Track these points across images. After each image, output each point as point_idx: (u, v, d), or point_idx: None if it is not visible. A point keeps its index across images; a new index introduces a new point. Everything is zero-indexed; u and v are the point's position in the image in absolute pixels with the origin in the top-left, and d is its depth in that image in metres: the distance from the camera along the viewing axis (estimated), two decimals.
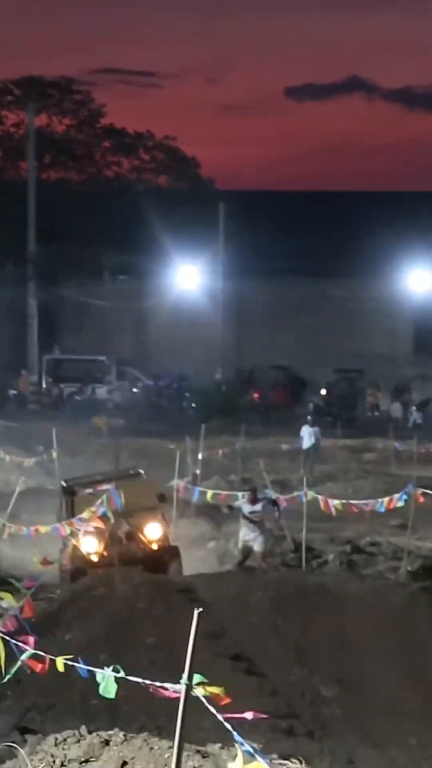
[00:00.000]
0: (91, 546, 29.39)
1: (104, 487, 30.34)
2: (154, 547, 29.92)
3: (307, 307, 78.10)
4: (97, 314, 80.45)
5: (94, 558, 29.31)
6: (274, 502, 33.05)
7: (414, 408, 71.19)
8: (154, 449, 44.40)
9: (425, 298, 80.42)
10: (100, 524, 28.42)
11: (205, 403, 66.15)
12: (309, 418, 57.60)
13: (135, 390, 72.29)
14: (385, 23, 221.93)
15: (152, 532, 30.08)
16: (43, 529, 30.22)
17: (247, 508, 31.94)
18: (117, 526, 29.01)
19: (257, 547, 31.58)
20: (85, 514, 28.97)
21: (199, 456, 43.03)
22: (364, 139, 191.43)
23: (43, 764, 15.15)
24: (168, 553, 30.14)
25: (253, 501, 32.28)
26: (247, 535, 31.87)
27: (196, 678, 10.83)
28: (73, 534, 29.31)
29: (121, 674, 12.42)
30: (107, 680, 12.44)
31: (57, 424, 49.39)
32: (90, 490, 30.93)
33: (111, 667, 12.62)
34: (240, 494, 33.58)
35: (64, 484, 32.62)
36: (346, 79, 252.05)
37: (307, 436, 51.60)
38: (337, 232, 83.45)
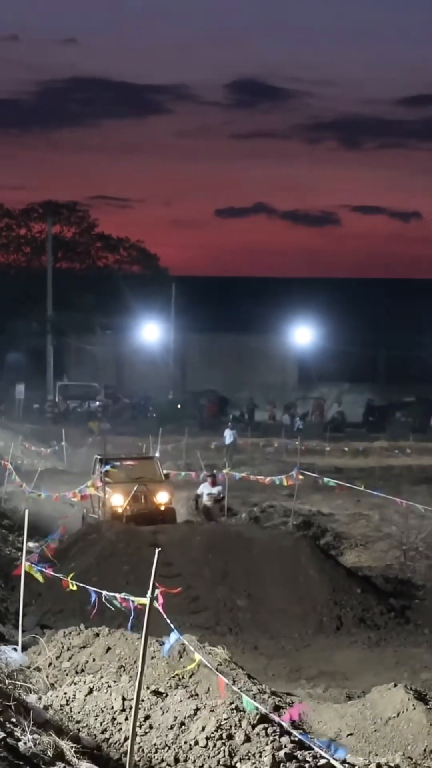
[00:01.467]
0: (118, 501, 29.35)
1: (128, 462, 31.85)
2: (162, 507, 29.81)
3: (229, 352, 78.15)
4: (91, 355, 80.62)
5: (119, 510, 29.16)
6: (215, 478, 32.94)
7: (297, 418, 71.24)
8: (127, 444, 44.36)
9: (304, 347, 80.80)
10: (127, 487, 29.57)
11: (162, 413, 66.11)
12: (230, 424, 57.72)
13: (116, 404, 72.01)
14: (279, 167, 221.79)
15: (161, 497, 30.00)
16: (59, 495, 30.08)
17: (207, 489, 32.06)
18: (138, 489, 29.63)
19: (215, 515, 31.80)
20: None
21: (158, 448, 43.00)
22: (265, 243, 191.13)
23: (55, 649, 15.15)
24: (169, 513, 29.87)
25: (213, 483, 32.42)
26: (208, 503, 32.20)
27: (157, 594, 10.94)
28: (106, 492, 29.49)
29: (105, 592, 12.51)
30: (107, 597, 12.50)
31: (65, 426, 49.40)
32: (117, 463, 31.16)
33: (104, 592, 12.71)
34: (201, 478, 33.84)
35: (98, 457, 31.96)
36: (254, 204, 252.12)
37: (228, 435, 51.65)
38: (249, 304, 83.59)
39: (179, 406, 70.55)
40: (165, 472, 31.98)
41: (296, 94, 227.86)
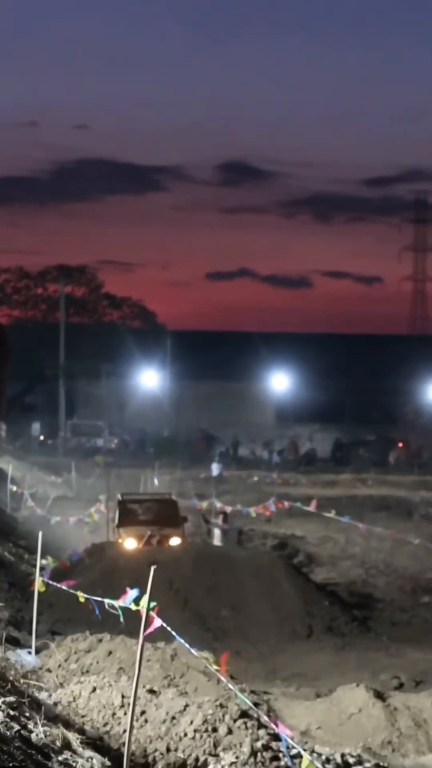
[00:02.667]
0: (131, 545, 26.45)
1: (147, 503, 29.34)
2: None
3: (216, 396, 77.84)
4: (97, 398, 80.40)
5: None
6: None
7: (275, 453, 71.13)
8: (128, 475, 44.18)
9: (281, 392, 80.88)
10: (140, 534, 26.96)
11: (158, 449, 65.98)
12: (216, 458, 57.67)
13: (118, 441, 71.83)
14: (261, 237, 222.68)
15: (174, 542, 26.86)
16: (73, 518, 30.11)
17: (221, 525, 31.25)
18: (152, 534, 26.85)
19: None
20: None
21: (155, 479, 42.98)
22: (248, 302, 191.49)
23: (64, 653, 15.12)
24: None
25: (225, 521, 31.41)
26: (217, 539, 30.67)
27: (152, 604, 10.93)
28: (120, 534, 27.12)
29: (109, 601, 12.50)
30: (112, 606, 12.50)
31: (74, 459, 49.33)
32: (136, 504, 28.88)
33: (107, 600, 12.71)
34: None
35: (120, 497, 29.37)
36: (239, 269, 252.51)
37: (215, 468, 51.60)
38: (233, 354, 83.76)
39: (180, 441, 70.20)
40: (183, 515, 29.10)
41: (276, 175, 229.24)
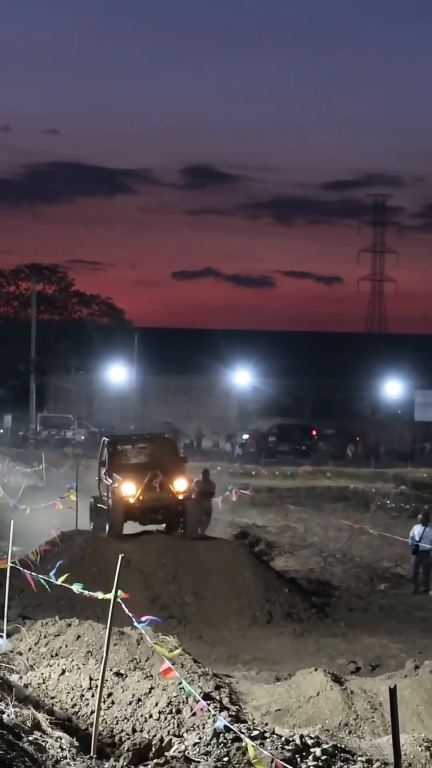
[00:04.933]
0: (129, 490, 23.01)
1: (140, 444, 25.24)
2: (180, 497, 23.51)
3: (181, 391, 77.93)
4: (67, 392, 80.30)
5: (131, 500, 23.09)
6: None
7: (237, 446, 71.21)
8: (95, 466, 43.80)
9: (243, 387, 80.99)
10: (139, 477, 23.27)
11: None
12: (182, 448, 57.58)
13: (86, 433, 71.52)
14: (225, 239, 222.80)
15: (180, 484, 23.53)
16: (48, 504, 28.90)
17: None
18: (152, 476, 23.00)
19: None
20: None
21: None
22: (213, 301, 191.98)
23: (34, 637, 15.09)
24: (188, 504, 23.95)
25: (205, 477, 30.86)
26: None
27: (120, 592, 10.93)
28: (114, 479, 23.37)
29: (79, 589, 12.49)
30: (75, 585, 12.50)
31: (44, 451, 49.09)
32: (129, 446, 25.04)
33: (75, 585, 12.68)
34: None
35: (106, 439, 25.72)
36: (204, 268, 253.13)
37: None
38: (198, 351, 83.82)
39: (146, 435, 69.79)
40: (183, 456, 26.09)
41: (239, 179, 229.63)
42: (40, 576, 14.66)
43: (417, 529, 24.84)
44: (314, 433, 72.86)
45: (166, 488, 23.18)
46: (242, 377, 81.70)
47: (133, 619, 11.09)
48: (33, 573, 15.53)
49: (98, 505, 24.79)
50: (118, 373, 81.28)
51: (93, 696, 11.87)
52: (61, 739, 10.32)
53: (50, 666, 13.21)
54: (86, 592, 12.32)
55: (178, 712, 11.42)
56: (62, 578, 13.10)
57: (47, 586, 14.21)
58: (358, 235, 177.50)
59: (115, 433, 27.29)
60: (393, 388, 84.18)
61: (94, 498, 25.38)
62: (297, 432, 72.12)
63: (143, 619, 11.19)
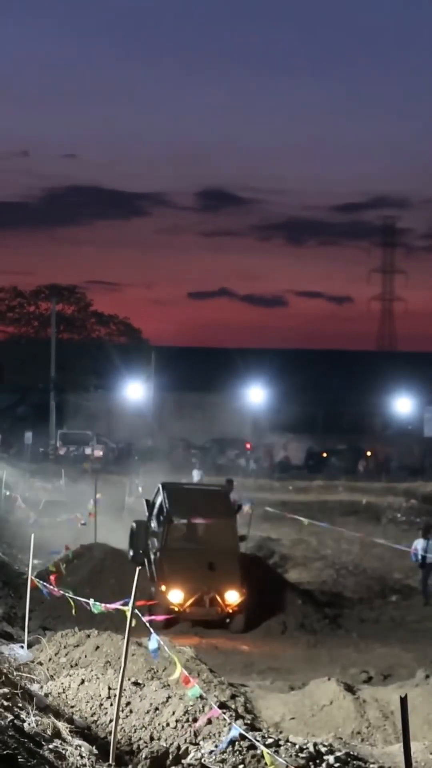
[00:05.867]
0: (176, 598, 20.19)
1: (197, 520, 21.46)
2: (229, 610, 20.46)
3: (197, 407, 77.90)
4: (85, 409, 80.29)
5: (176, 609, 20.10)
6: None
7: (251, 461, 71.20)
8: (114, 481, 43.93)
9: (257, 404, 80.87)
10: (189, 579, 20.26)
11: (142, 456, 65.76)
12: (198, 464, 57.49)
13: (104, 449, 71.43)
14: (239, 259, 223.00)
15: (231, 597, 20.37)
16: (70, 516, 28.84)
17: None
18: (205, 591, 20.12)
19: None
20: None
21: (139, 485, 42.83)
22: (227, 320, 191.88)
23: (54, 647, 15.09)
24: (237, 614, 20.70)
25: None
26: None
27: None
28: (162, 574, 20.47)
29: (96, 602, 12.50)
30: (94, 605, 12.48)
31: (64, 467, 49.15)
32: (184, 521, 21.35)
33: (92, 599, 12.69)
34: None
35: (161, 487, 22.95)
36: (219, 289, 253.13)
37: (196, 474, 51.42)
38: (213, 368, 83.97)
39: (177, 449, 69.55)
40: (242, 533, 22.55)
41: (252, 201, 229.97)
42: (61, 589, 14.70)
43: (420, 543, 24.70)
44: (369, 454, 73.33)
45: (217, 603, 20.31)
46: (256, 394, 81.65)
47: (151, 630, 11.07)
48: (53, 586, 15.57)
49: (140, 551, 21.93)
50: (135, 391, 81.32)
51: (111, 705, 11.85)
52: (80, 747, 10.31)
53: (70, 676, 13.19)
54: (103, 605, 12.30)
55: (195, 720, 11.39)
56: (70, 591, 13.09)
57: (71, 601, 14.22)
58: (368, 256, 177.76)
59: (174, 482, 24.46)
60: (403, 405, 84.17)
61: (137, 523, 22.78)
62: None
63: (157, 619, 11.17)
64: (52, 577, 17.34)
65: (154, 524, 22.23)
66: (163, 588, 20.15)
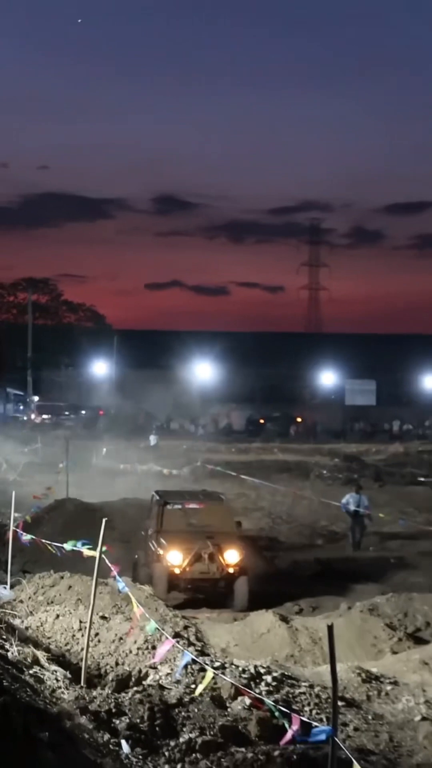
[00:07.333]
0: (175, 559, 17.56)
1: (191, 505, 18.86)
2: (231, 570, 17.68)
3: (154, 381, 77.03)
4: (58, 384, 79.73)
5: (177, 570, 17.55)
6: None
7: (200, 427, 71.22)
8: (83, 445, 43.53)
9: (205, 379, 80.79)
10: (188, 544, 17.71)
11: (108, 424, 65.37)
12: (154, 430, 57.40)
13: (74, 418, 70.95)
14: (188, 255, 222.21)
15: (231, 556, 17.74)
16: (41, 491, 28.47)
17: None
18: (202, 547, 17.56)
19: None
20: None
21: (104, 448, 42.76)
22: (179, 307, 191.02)
23: (33, 587, 15.04)
24: (239, 574, 17.77)
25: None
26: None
27: (104, 549, 10.91)
28: (161, 544, 17.92)
29: (70, 547, 12.46)
30: (68, 547, 12.46)
31: (40, 434, 48.73)
32: (179, 506, 18.75)
33: (67, 543, 12.65)
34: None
35: (157, 496, 19.51)
36: (171, 280, 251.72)
37: (153, 439, 51.32)
38: (167, 349, 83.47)
39: (141, 417, 69.18)
40: (237, 519, 19.64)
41: (199, 206, 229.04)
42: (43, 540, 14.65)
43: (352, 497, 24.66)
44: (299, 420, 73.63)
45: (216, 561, 17.67)
46: (204, 370, 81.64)
47: (115, 572, 11.07)
48: (33, 537, 15.52)
49: (142, 565, 18.97)
50: (100, 368, 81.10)
51: (82, 636, 11.85)
52: (56, 672, 10.30)
53: (46, 612, 13.17)
54: (76, 548, 12.28)
55: (154, 648, 11.41)
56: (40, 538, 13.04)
57: (51, 548, 14.18)
58: (297, 252, 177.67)
59: (166, 490, 20.83)
60: (327, 378, 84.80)
61: (138, 555, 19.64)
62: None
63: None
64: (20, 525, 17.13)
65: (150, 533, 19.07)
66: (161, 552, 17.64)
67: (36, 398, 75.04)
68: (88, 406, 73.91)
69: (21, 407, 72.54)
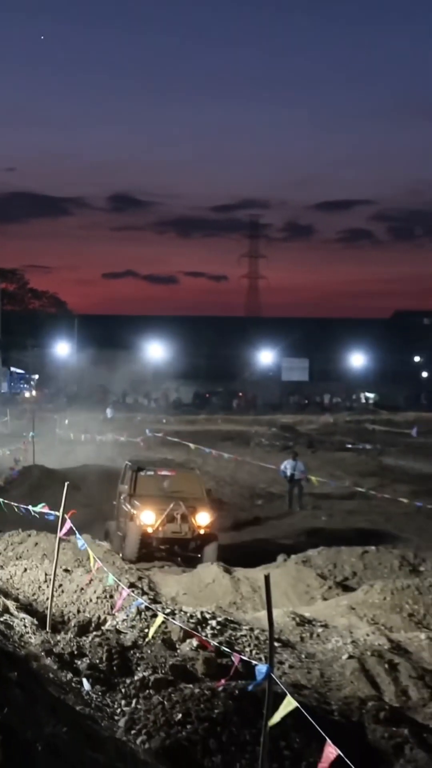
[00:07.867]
0: (148, 519, 16.13)
1: (164, 472, 17.41)
2: (201, 532, 16.32)
3: (111, 360, 76.40)
4: (25, 364, 78.91)
5: (149, 530, 16.17)
6: None
7: (152, 401, 70.94)
8: (47, 417, 43.07)
9: (157, 357, 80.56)
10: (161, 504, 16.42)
11: (71, 397, 64.97)
12: (111, 404, 57.16)
13: (39, 393, 70.33)
14: (141, 248, 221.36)
15: (202, 518, 16.37)
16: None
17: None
18: (175, 507, 16.17)
19: None
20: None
21: (66, 420, 42.50)
22: (132, 294, 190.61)
23: (3, 544, 14.94)
24: (209, 538, 16.43)
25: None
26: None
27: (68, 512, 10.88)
28: (135, 506, 16.47)
29: (38, 509, 12.40)
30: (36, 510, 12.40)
31: (9, 407, 48.25)
32: (152, 472, 17.25)
33: (32, 506, 12.57)
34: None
35: (129, 462, 18.04)
36: (125, 270, 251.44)
37: (110, 412, 51.10)
38: (123, 331, 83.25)
39: (100, 393, 68.78)
40: (207, 487, 18.46)
41: (150, 204, 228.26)
42: (12, 503, 14.57)
43: (289, 463, 24.70)
44: (240, 394, 73.78)
45: (188, 521, 16.34)
46: (155, 350, 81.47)
47: (76, 532, 11.04)
48: (4, 500, 15.41)
49: (116, 531, 17.43)
50: (63, 349, 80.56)
51: (48, 587, 11.82)
52: (24, 619, 10.27)
53: (15, 566, 13.11)
54: (41, 510, 12.22)
55: (111, 597, 11.42)
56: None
57: (18, 510, 14.11)
58: (238, 245, 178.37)
59: (139, 458, 20.21)
60: (265, 357, 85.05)
61: (109, 525, 18.08)
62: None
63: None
64: None
65: (122, 498, 17.58)
66: (135, 512, 16.32)
67: (36, 376, 74.37)
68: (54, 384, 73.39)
69: (23, 385, 71.62)
